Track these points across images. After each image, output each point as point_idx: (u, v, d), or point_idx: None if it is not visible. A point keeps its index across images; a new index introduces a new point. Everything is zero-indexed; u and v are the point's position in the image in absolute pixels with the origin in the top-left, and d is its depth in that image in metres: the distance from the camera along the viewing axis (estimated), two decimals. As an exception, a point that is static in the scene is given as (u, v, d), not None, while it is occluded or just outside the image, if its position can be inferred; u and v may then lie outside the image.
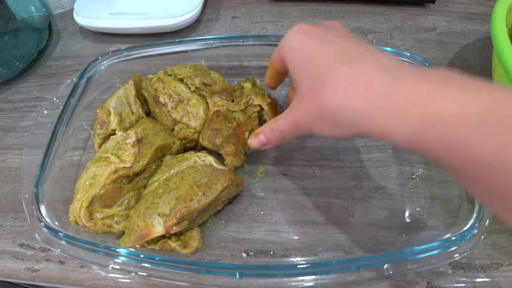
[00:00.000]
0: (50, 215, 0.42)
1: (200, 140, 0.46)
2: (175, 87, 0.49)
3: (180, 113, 0.49)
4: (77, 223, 0.41)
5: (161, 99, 0.49)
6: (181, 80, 0.50)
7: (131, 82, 0.51)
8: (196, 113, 0.48)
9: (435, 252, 0.37)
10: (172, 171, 0.43)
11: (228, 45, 0.56)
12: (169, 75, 0.51)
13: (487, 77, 0.57)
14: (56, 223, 0.41)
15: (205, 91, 0.51)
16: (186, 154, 0.46)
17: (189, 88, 0.50)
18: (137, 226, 0.39)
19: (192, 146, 0.50)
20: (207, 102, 0.50)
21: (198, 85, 0.50)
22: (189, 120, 0.48)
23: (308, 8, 0.71)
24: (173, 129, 0.49)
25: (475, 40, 0.64)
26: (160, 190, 0.41)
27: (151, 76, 0.51)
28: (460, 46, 0.63)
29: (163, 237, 0.40)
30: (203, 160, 0.44)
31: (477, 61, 0.60)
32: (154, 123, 0.49)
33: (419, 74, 0.27)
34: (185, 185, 0.41)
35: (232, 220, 0.45)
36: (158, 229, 0.38)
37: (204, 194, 0.40)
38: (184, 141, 0.48)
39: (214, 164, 0.44)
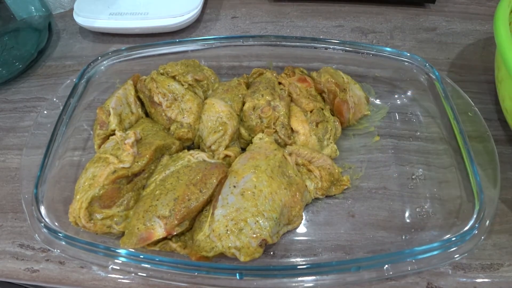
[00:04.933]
0: (50, 216, 0.42)
1: None
2: (168, 86, 0.49)
3: (175, 111, 0.49)
4: (76, 224, 0.41)
5: (156, 99, 0.49)
6: (174, 78, 0.51)
7: (130, 82, 0.51)
8: (190, 107, 0.49)
9: (435, 252, 0.37)
10: (168, 171, 0.43)
11: (228, 45, 0.56)
12: (161, 73, 0.51)
13: (488, 78, 0.57)
14: (56, 224, 0.41)
15: (198, 89, 0.51)
16: (180, 153, 0.46)
17: (183, 85, 0.50)
18: (137, 229, 0.39)
19: (189, 145, 0.50)
20: (200, 99, 0.50)
21: (191, 82, 0.50)
22: (183, 117, 0.48)
23: (308, 8, 0.71)
24: (169, 129, 0.49)
25: (475, 40, 0.63)
26: (157, 192, 0.41)
27: (144, 77, 0.52)
28: (460, 46, 0.63)
29: (163, 238, 0.40)
30: (196, 158, 0.44)
31: (477, 61, 0.60)
32: (153, 123, 0.49)
33: None
34: (182, 185, 0.41)
35: (232, 221, 0.45)
36: (159, 232, 0.38)
37: (200, 191, 0.40)
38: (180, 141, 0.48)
39: (206, 159, 0.44)
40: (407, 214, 0.44)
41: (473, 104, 0.48)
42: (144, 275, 0.38)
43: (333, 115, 0.50)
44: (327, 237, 0.43)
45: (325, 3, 0.71)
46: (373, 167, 0.48)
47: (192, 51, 0.56)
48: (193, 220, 0.41)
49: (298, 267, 0.39)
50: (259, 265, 0.41)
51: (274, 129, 0.47)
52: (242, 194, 0.39)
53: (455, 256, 0.37)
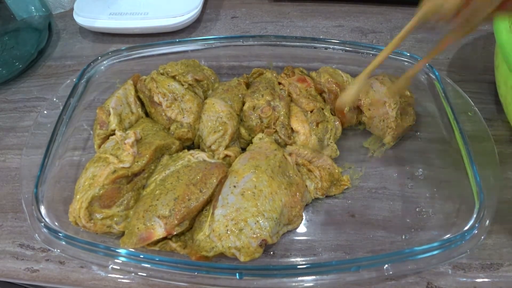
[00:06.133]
0: (50, 216, 0.42)
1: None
2: (168, 85, 0.49)
3: (175, 111, 0.49)
4: (76, 224, 0.41)
5: (156, 99, 0.49)
6: (174, 78, 0.51)
7: (130, 82, 0.51)
8: (190, 107, 0.49)
9: (435, 252, 0.37)
10: (168, 171, 0.43)
11: (228, 45, 0.56)
12: (161, 73, 0.51)
13: (488, 77, 0.57)
14: (56, 224, 0.41)
15: (198, 88, 0.51)
16: (180, 153, 0.46)
17: (182, 85, 0.50)
18: (137, 228, 0.39)
19: (189, 144, 0.50)
20: (200, 99, 0.50)
21: (191, 82, 0.50)
22: (183, 117, 0.48)
23: (308, 8, 0.71)
24: (169, 129, 0.49)
25: (475, 40, 0.63)
26: (157, 192, 0.41)
27: (144, 77, 0.52)
28: (460, 46, 0.63)
29: (163, 238, 0.40)
30: (196, 157, 0.44)
31: (477, 61, 0.60)
32: (153, 123, 0.49)
33: None
34: (182, 185, 0.41)
35: (232, 220, 0.45)
36: (159, 232, 0.38)
37: (200, 191, 0.40)
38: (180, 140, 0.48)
39: (206, 158, 0.44)
40: (406, 214, 0.44)
41: (473, 104, 0.48)
42: (144, 274, 0.38)
43: (333, 114, 0.50)
44: (327, 237, 0.43)
45: (325, 3, 0.71)
46: (373, 167, 0.48)
47: (192, 51, 0.56)
48: (193, 220, 0.41)
49: (298, 266, 0.39)
50: (259, 265, 0.41)
51: (274, 129, 0.47)
52: (242, 194, 0.39)
53: (455, 256, 0.37)
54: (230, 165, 0.45)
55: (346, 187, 0.46)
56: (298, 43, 0.54)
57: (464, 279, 0.40)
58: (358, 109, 0.50)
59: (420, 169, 0.48)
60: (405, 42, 0.64)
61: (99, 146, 0.47)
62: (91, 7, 0.65)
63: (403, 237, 0.43)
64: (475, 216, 0.39)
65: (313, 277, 0.37)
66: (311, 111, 0.49)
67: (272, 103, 0.48)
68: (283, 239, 0.43)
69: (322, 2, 0.71)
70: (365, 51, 0.53)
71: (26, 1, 0.61)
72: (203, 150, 0.47)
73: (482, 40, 0.63)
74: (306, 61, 0.55)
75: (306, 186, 0.44)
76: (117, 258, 0.38)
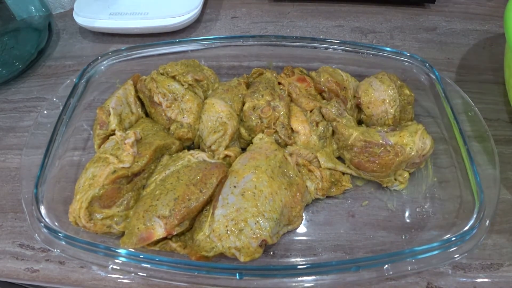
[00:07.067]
0: (50, 216, 0.42)
1: None
2: (168, 86, 0.49)
3: (175, 111, 0.49)
4: (77, 224, 0.41)
5: (156, 99, 0.49)
6: (174, 78, 0.51)
7: (130, 82, 0.51)
8: (190, 107, 0.49)
9: (435, 252, 0.37)
10: (168, 171, 0.43)
11: (228, 45, 0.56)
12: (161, 73, 0.51)
13: (488, 77, 0.57)
14: (56, 224, 0.41)
15: (198, 89, 0.51)
16: (180, 153, 0.46)
17: (182, 85, 0.50)
18: (137, 229, 0.39)
19: (189, 145, 0.50)
20: (200, 99, 0.50)
21: (191, 82, 0.50)
22: (183, 117, 0.48)
23: (308, 8, 0.71)
24: (169, 129, 0.49)
25: (475, 40, 0.63)
26: (157, 192, 0.41)
27: (144, 77, 0.52)
28: (460, 46, 0.63)
29: (163, 238, 0.40)
30: (196, 158, 0.44)
31: (477, 61, 0.60)
32: (153, 123, 0.49)
33: None
34: (182, 185, 0.41)
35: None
36: (159, 232, 0.38)
37: (201, 191, 0.40)
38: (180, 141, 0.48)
39: (206, 159, 0.44)
40: (407, 214, 0.44)
41: (473, 104, 0.48)
42: (144, 275, 0.38)
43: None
44: (327, 237, 0.43)
45: (325, 3, 0.71)
46: (373, 167, 0.48)
47: (192, 51, 0.56)
48: (193, 220, 0.41)
49: (298, 267, 0.39)
50: (259, 265, 0.40)
51: (274, 129, 0.47)
52: (242, 194, 0.39)
53: (455, 256, 0.37)
54: (230, 165, 0.45)
55: (347, 188, 0.46)
56: (298, 43, 0.54)
57: (464, 279, 0.40)
58: (357, 108, 0.50)
59: (420, 169, 0.47)
60: (405, 43, 0.64)
61: (99, 146, 0.47)
62: (91, 7, 0.65)
63: (403, 237, 0.43)
64: (475, 216, 0.39)
65: (313, 277, 0.37)
66: (311, 111, 0.49)
67: (272, 103, 0.48)
68: (283, 239, 0.43)
69: (322, 2, 0.71)
70: (365, 51, 0.53)
71: (26, 1, 0.61)
72: (203, 150, 0.47)
73: (482, 41, 0.63)
74: (306, 61, 0.55)
75: (307, 186, 0.44)
76: (117, 258, 0.38)
